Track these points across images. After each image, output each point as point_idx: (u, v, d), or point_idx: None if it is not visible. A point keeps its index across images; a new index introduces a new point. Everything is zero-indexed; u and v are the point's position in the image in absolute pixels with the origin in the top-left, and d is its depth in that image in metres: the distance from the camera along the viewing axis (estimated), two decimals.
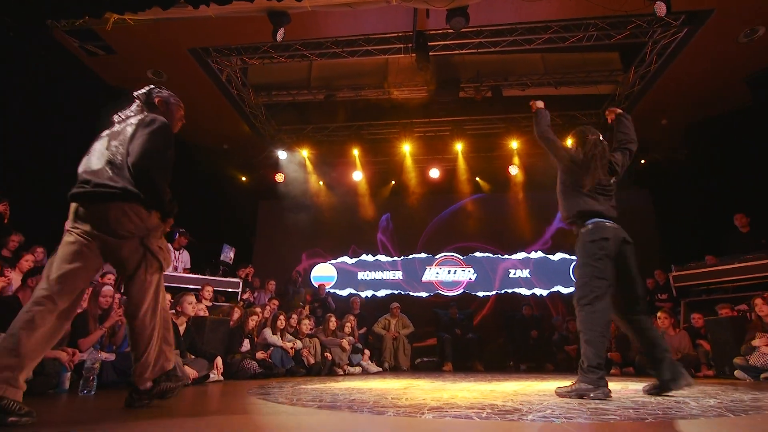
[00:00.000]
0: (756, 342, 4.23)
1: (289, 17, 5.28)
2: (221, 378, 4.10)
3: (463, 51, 6.69)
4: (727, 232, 6.32)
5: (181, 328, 3.87)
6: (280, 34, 5.33)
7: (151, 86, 2.32)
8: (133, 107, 2.25)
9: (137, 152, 1.98)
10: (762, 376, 4.07)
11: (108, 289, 3.79)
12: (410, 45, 6.43)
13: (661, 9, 4.86)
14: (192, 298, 4.01)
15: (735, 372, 4.33)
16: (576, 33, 6.28)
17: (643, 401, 2.41)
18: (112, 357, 3.19)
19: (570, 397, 2.54)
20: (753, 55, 6.27)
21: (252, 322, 5.10)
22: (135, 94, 2.29)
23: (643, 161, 8.93)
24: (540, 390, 3.17)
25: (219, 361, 4.08)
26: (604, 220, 2.76)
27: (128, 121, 2.15)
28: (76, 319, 3.46)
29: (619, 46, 7.16)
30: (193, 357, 3.88)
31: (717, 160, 7.59)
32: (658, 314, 5.60)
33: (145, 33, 5.84)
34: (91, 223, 1.93)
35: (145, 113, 2.18)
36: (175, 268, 6.17)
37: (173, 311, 4.06)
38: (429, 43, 6.31)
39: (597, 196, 2.82)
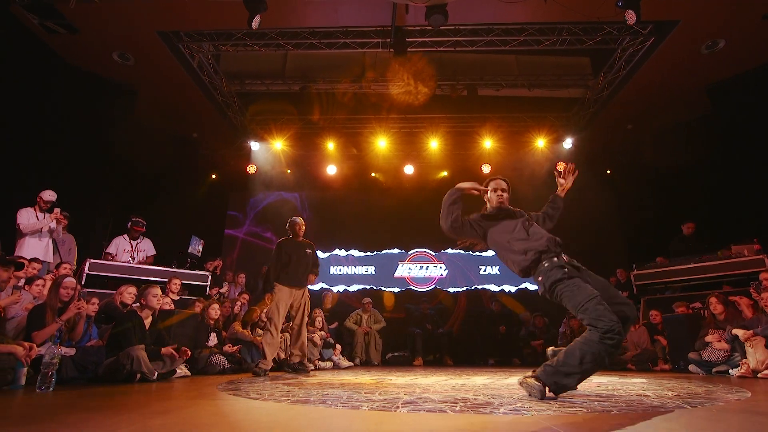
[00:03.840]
0: (709, 338, 4.47)
1: (265, 4, 5.13)
2: (188, 373, 3.99)
3: (441, 49, 6.71)
4: (674, 236, 6.68)
5: (147, 322, 3.72)
6: (256, 22, 5.18)
7: (291, 218, 4.72)
8: None
9: None
10: (714, 370, 4.30)
11: (70, 281, 3.53)
12: (388, 40, 6.40)
13: (631, 17, 5.03)
14: (157, 291, 3.85)
15: (689, 366, 4.56)
16: (550, 36, 6.42)
17: (606, 394, 2.51)
18: (72, 352, 3.04)
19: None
20: (714, 66, 6.60)
21: (213, 311, 4.91)
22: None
23: (609, 171, 9.30)
24: (509, 384, 3.25)
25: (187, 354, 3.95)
26: None
27: None
28: (33, 311, 3.31)
29: (590, 52, 7.36)
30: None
31: (677, 165, 7.95)
32: None
33: (111, 12, 5.56)
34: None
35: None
36: (133, 259, 5.89)
37: (137, 304, 3.90)
38: (407, 39, 6.30)
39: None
